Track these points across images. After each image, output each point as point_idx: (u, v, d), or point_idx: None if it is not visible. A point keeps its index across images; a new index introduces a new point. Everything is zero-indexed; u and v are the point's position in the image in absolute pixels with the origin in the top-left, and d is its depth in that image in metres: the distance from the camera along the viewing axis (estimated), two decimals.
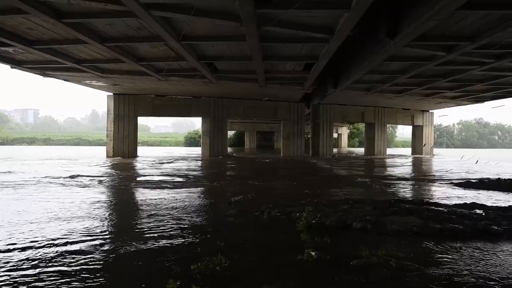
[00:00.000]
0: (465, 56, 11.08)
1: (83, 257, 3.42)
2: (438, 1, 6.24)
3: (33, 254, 3.48)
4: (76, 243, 3.84)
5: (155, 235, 4.21)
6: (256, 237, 4.33)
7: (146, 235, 4.19)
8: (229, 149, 30.52)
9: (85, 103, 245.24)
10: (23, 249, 3.61)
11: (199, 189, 8.61)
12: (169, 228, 4.54)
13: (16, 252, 3.53)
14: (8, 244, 3.76)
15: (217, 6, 7.75)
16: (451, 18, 8.05)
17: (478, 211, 5.68)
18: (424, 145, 28.73)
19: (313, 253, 3.38)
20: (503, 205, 6.31)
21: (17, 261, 3.27)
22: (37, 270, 3.07)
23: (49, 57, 12.11)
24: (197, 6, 7.47)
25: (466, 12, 7.70)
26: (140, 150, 25.35)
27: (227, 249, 3.61)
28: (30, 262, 3.25)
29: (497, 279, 2.97)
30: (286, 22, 8.44)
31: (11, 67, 13.80)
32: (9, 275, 2.95)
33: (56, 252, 3.55)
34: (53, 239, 3.95)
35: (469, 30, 9.00)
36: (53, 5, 7.86)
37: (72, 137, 72.58)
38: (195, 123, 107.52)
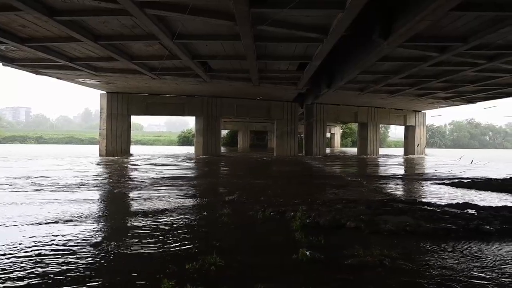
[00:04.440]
0: (458, 57, 11.17)
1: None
2: (431, 2, 6.29)
3: None
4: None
5: (149, 233, 4.21)
6: (250, 237, 4.34)
7: (139, 231, 4.19)
8: (223, 149, 30.49)
9: (77, 101, 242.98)
10: None
11: (192, 188, 8.58)
12: (163, 227, 4.54)
13: None
14: None
15: (212, 5, 7.74)
16: (444, 19, 8.10)
17: (470, 210, 5.75)
18: (418, 145, 28.92)
19: (307, 253, 3.39)
20: (494, 205, 6.38)
21: None
22: None
23: (41, 55, 11.99)
24: (192, 5, 7.44)
25: (459, 13, 7.76)
26: (133, 149, 25.22)
27: (221, 249, 3.61)
28: None
29: (490, 278, 3.01)
30: (281, 22, 8.43)
31: (3, 65, 13.65)
32: None
33: None
34: None
35: (462, 31, 9.07)
36: (46, 2, 7.80)
37: (64, 136, 71.98)
38: (189, 122, 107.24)
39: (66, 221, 4.78)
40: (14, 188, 7.94)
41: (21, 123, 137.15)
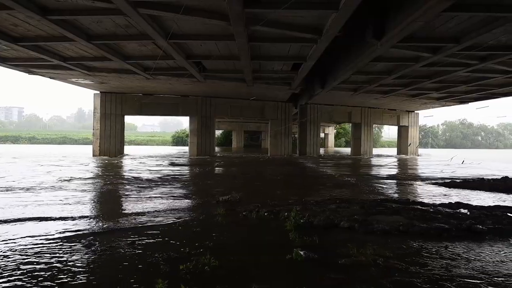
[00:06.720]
0: (450, 57, 11.23)
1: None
2: (424, 3, 6.33)
3: None
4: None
5: (143, 234, 4.20)
6: (244, 237, 4.34)
7: (134, 232, 4.18)
8: (217, 149, 30.45)
9: (71, 101, 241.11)
10: None
11: (187, 188, 8.57)
12: (157, 227, 4.52)
13: None
14: None
15: (206, 5, 7.72)
16: (437, 20, 8.17)
17: (463, 210, 5.80)
18: (409, 145, 29.08)
19: (301, 252, 3.40)
20: (487, 204, 6.44)
21: None
22: None
23: (34, 55, 11.89)
24: (186, 5, 7.41)
25: (451, 14, 7.81)
26: (127, 149, 25.11)
27: (215, 249, 3.61)
28: None
29: (482, 277, 3.03)
30: (275, 22, 8.44)
31: None
32: None
33: None
34: None
35: (454, 31, 9.13)
36: (39, 1, 7.73)
37: (57, 136, 71.35)
38: (183, 122, 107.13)
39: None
40: None
41: (13, 123, 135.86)
